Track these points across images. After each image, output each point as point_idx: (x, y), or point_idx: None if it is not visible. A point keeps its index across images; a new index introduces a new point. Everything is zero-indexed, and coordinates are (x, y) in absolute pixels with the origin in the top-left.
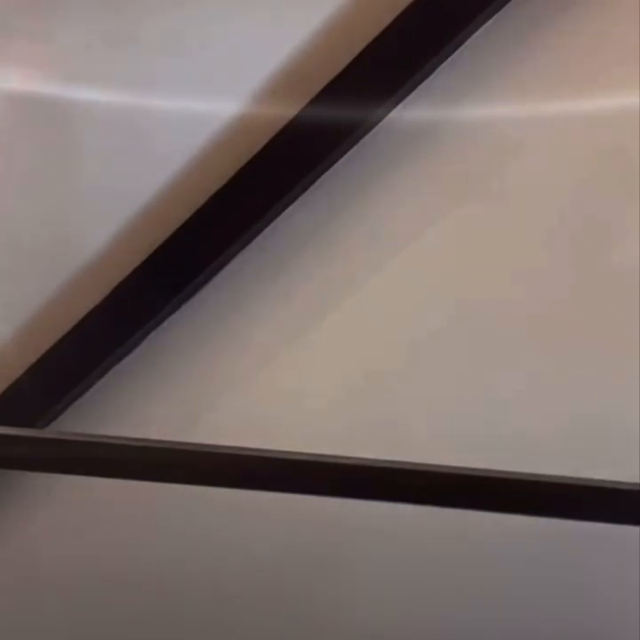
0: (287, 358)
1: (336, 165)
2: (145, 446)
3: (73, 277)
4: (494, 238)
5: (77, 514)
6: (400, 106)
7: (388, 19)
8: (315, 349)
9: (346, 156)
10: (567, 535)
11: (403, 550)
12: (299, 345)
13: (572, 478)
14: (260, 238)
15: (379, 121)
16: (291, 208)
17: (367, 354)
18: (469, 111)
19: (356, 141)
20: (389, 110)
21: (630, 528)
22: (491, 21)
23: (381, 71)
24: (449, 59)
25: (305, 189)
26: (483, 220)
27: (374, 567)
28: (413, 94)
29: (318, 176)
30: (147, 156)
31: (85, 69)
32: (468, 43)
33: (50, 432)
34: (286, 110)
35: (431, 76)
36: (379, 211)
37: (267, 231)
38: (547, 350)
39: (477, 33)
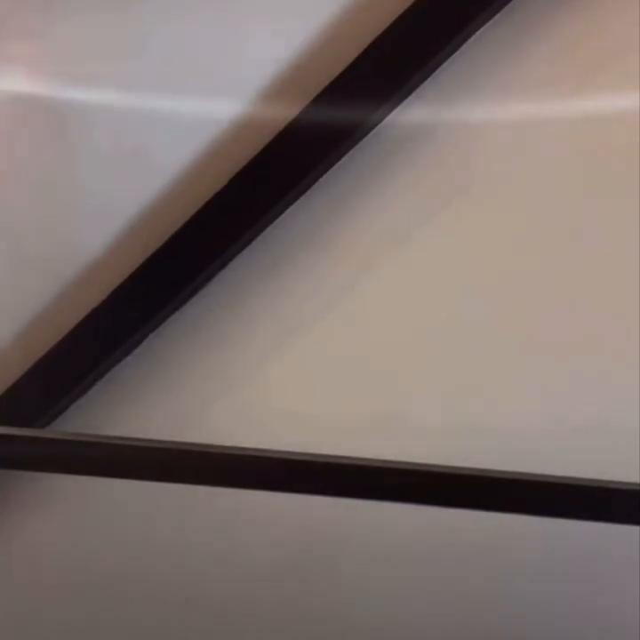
0: (287, 358)
1: (335, 167)
2: (145, 446)
3: (73, 278)
4: (493, 239)
5: (77, 514)
6: (398, 108)
7: (385, 22)
8: (314, 349)
9: (345, 158)
10: (568, 535)
11: (401, 551)
12: (298, 345)
13: (572, 478)
14: (259, 239)
15: (377, 123)
16: (290, 209)
17: (367, 353)
18: (468, 113)
19: (355, 143)
20: (388, 112)
21: (630, 528)
22: (490, 23)
23: (380, 74)
24: (447, 61)
25: (304, 191)
26: (482, 220)
27: (373, 568)
28: (412, 96)
29: (318, 177)
30: (146, 158)
31: (85, 71)
32: (466, 45)
33: (50, 432)
34: (285, 112)
35: (430, 79)
36: (378, 212)
37: (266, 232)
38: (546, 350)
39: (476, 35)
